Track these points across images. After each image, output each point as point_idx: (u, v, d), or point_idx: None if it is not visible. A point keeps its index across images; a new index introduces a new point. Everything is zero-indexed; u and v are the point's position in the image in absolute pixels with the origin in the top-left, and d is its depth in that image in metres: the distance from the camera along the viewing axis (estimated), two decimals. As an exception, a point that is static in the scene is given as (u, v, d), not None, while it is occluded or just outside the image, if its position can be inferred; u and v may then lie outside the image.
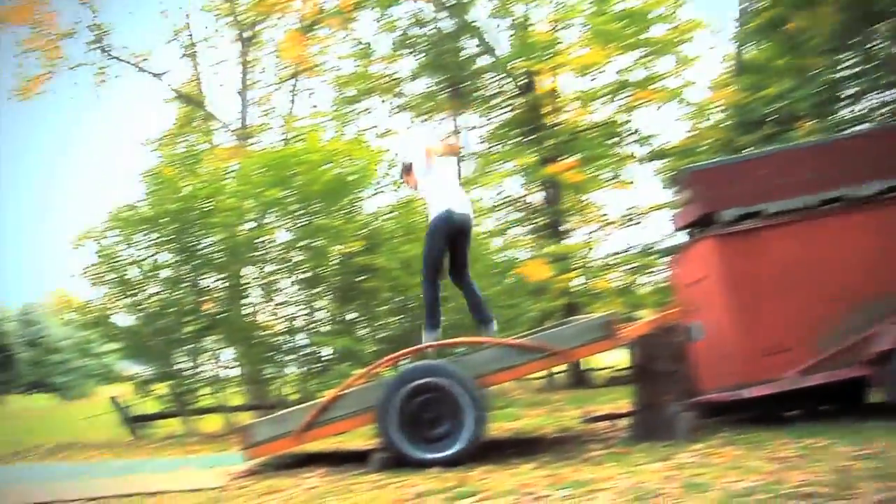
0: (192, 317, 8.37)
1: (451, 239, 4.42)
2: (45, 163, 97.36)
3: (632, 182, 13.80)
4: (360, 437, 5.39)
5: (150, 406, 9.12)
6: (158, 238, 8.39)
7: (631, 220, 13.94)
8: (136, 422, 9.12)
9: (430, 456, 3.80)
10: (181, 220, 8.14)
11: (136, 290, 8.57)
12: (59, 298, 9.65)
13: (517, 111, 14.19)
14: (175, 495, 3.72)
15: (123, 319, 8.85)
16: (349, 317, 8.71)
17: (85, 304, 8.99)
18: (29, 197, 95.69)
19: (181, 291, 8.45)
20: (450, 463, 3.73)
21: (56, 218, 67.94)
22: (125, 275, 8.57)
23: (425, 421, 3.89)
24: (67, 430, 13.27)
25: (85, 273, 8.69)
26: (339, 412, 4.14)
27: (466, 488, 3.11)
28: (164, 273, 8.52)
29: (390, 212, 8.81)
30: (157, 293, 8.57)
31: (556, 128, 13.63)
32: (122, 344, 8.93)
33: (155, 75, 14.97)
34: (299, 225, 8.42)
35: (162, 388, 8.63)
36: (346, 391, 4.18)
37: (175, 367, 8.56)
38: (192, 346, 8.47)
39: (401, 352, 4.54)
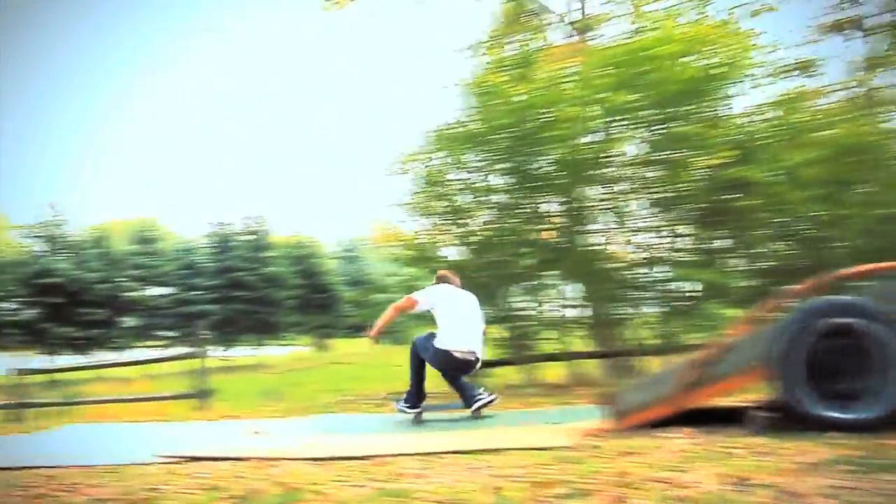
0: (530, 248, 9.51)
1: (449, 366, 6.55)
2: (356, 78, 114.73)
3: None
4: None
5: (487, 352, 10.74)
6: (489, 158, 9.69)
7: None
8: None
9: (837, 415, 3.88)
10: (514, 135, 9.24)
11: (466, 219, 10.07)
12: (382, 231, 11.62)
13: None
14: (517, 454, 4.08)
15: (452, 252, 10.42)
16: (717, 244, 9.00)
17: (409, 237, 10.63)
18: (342, 117, 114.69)
19: (516, 219, 9.66)
20: (861, 428, 3.78)
21: (376, 141, 79.78)
22: (453, 202, 10.08)
23: (835, 373, 3.97)
24: (395, 377, 16.30)
25: (409, 201, 10.30)
26: (725, 367, 4.32)
27: (880, 460, 3.15)
28: (497, 198, 9.83)
29: (768, 111, 8.77)
30: (489, 222, 9.93)
31: None
32: None
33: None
34: (654, 134, 8.93)
35: (496, 332, 9.96)
36: (737, 338, 4.36)
37: (511, 308, 9.91)
38: (530, 282, 9.70)
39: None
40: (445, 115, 10.32)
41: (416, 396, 7.00)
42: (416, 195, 10.32)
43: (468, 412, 6.59)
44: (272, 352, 38.33)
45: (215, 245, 38.50)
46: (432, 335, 6.82)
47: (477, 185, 9.99)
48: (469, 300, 7.12)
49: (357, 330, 40.92)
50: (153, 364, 14.47)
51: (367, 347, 42.52)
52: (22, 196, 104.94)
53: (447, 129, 10.08)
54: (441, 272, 7.60)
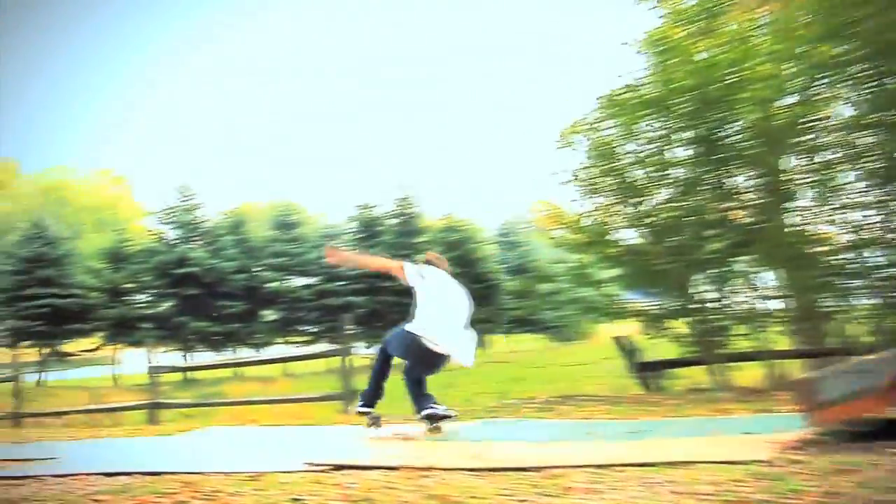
0: (718, 230, 9.48)
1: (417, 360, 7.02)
2: (514, 38, 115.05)
3: None
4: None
5: (664, 350, 10.65)
6: (668, 126, 9.72)
7: None
8: (648, 370, 10.76)
9: None
10: (698, 99, 9.22)
11: (642, 197, 10.11)
12: (545, 212, 11.76)
13: None
14: (704, 468, 4.10)
15: (627, 236, 10.54)
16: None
17: (576, 219, 10.77)
18: (497, 83, 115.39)
19: (702, 196, 9.62)
20: None
21: (537, 110, 79.92)
22: (626, 177, 10.13)
23: None
24: (561, 378, 16.45)
25: (575, 178, 10.47)
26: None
27: None
28: (677, 172, 9.83)
29: None
30: (670, 200, 9.93)
31: None
32: (625, 268, 10.64)
33: None
34: (866, 92, 8.67)
35: (680, 326, 10.05)
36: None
37: (696, 299, 9.91)
38: (719, 269, 9.65)
39: None
40: (617, 77, 10.37)
41: (371, 395, 7.34)
42: (584, 171, 10.50)
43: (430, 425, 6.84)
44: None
45: (360, 230, 39.74)
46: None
47: (654, 157, 10.03)
48: (461, 294, 7.34)
49: (520, 324, 41.37)
50: (294, 362, 15.39)
51: (531, 344, 42.97)
52: (155, 180, 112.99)
53: (619, 94, 10.15)
54: (430, 254, 7.87)
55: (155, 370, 12.78)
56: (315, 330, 38.00)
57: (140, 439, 8.36)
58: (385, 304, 36.19)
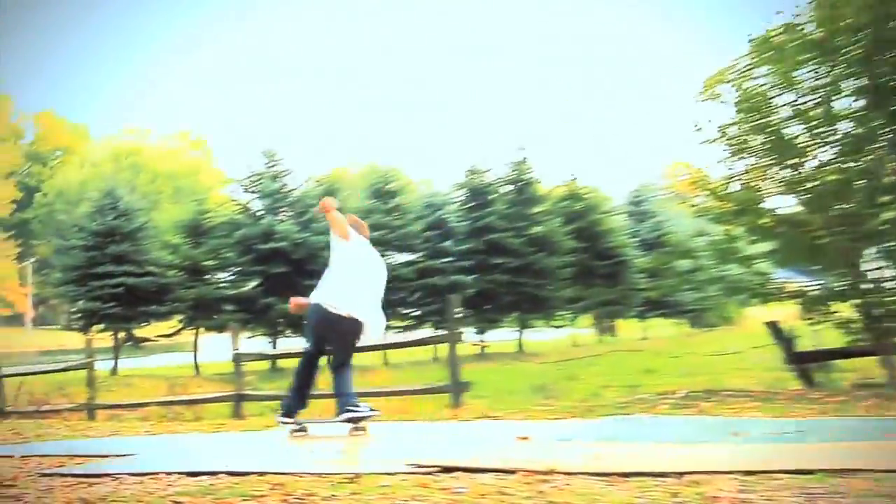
0: (894, 195, 9.30)
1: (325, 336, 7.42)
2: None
3: None
4: None
5: (827, 338, 10.60)
6: (834, 72, 9.53)
7: None
8: (807, 361, 10.67)
9: None
10: (869, 40, 9.04)
11: (801, 157, 9.98)
12: (684, 177, 11.64)
13: None
14: (877, 477, 4.06)
15: (782, 203, 10.52)
16: None
17: (722, 184, 10.72)
18: (621, 27, 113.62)
19: (874, 155, 9.46)
20: None
21: (666, 56, 78.78)
22: (783, 134, 10.01)
23: None
24: (703, 370, 16.30)
25: (721, 136, 10.41)
26: None
27: None
28: (844, 127, 9.65)
29: None
30: (832, 161, 9.79)
31: None
32: (780, 242, 10.59)
33: None
34: None
35: (846, 310, 9.91)
36: None
37: (867, 277, 9.75)
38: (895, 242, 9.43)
39: None
40: (774, 15, 10.20)
41: (294, 400, 7.63)
42: (732, 127, 10.41)
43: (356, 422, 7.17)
44: (541, 336, 39.40)
45: (469, 198, 39.86)
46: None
47: (816, 110, 9.86)
48: (378, 261, 7.65)
49: (653, 307, 40.93)
50: (395, 350, 15.55)
51: (667, 330, 42.50)
52: (238, 144, 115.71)
53: (775, 35, 10.03)
54: (353, 217, 8.02)
55: (239, 358, 13.04)
56: (418, 313, 38.10)
57: (223, 435, 8.66)
58: (497, 285, 36.29)
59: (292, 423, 7.67)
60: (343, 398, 7.41)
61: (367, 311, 7.51)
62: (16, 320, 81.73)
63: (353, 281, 7.47)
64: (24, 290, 78.93)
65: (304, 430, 7.69)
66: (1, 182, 71.42)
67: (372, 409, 7.51)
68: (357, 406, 7.35)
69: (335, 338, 7.57)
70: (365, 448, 6.92)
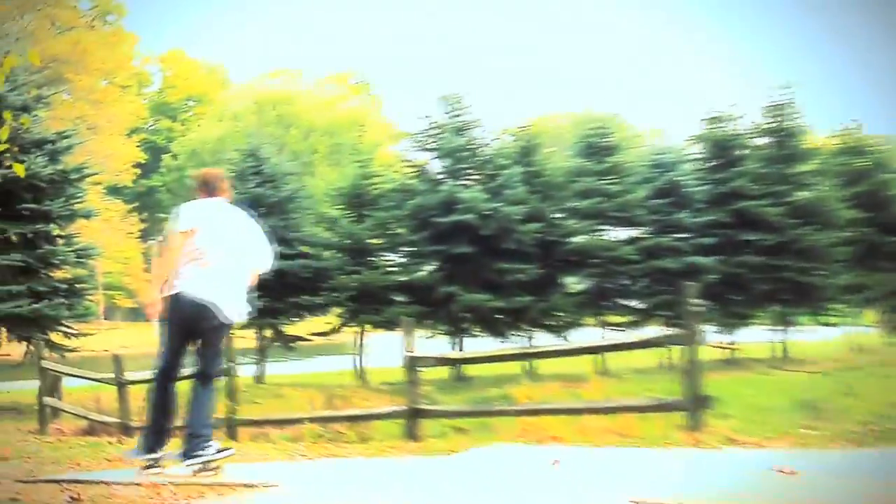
0: None
1: (188, 332, 7.79)
2: None
3: None
4: None
5: None
6: None
7: None
8: None
9: None
10: None
11: None
12: None
13: None
14: None
15: None
16: None
17: None
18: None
19: None
20: None
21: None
22: None
23: None
24: None
25: None
26: None
27: None
28: None
29: None
30: None
31: None
32: None
33: None
34: None
35: None
36: None
37: None
38: None
39: None
40: None
41: (151, 434, 7.77)
42: None
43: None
44: (808, 336, 38.43)
45: (710, 155, 39.30)
46: None
47: None
48: (238, 223, 7.97)
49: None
50: (612, 353, 15.51)
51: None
52: (411, 88, 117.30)
53: None
54: (207, 173, 8.40)
55: (414, 362, 13.10)
56: (643, 306, 37.78)
57: (394, 461, 8.78)
58: (748, 269, 35.52)
59: (148, 457, 7.93)
60: (193, 433, 7.75)
61: (218, 291, 7.85)
62: (140, 314, 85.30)
63: (214, 259, 7.86)
64: (149, 275, 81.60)
65: (157, 463, 7.92)
66: (121, 141, 72.78)
67: (222, 450, 7.86)
68: (207, 446, 7.68)
69: (184, 328, 7.93)
70: (575, 479, 6.89)
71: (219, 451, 7.90)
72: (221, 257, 8.05)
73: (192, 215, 8.16)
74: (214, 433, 8.19)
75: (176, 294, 7.93)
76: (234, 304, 8.14)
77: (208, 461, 7.76)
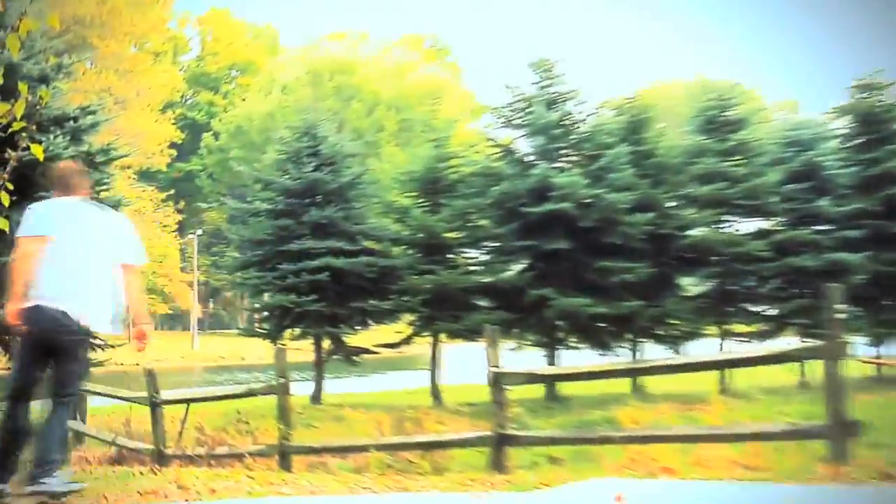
0: None
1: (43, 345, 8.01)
2: None
3: None
4: None
5: None
6: None
7: None
8: None
9: None
10: None
11: None
12: None
13: None
14: None
15: None
16: None
17: None
18: None
19: None
20: None
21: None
22: None
23: None
24: None
25: None
26: None
27: None
28: None
29: None
30: None
31: None
32: None
33: None
34: None
35: None
36: None
37: None
38: None
39: None
40: None
41: None
42: None
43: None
44: None
45: (857, 130, 38.68)
46: None
47: None
48: (99, 223, 8.23)
49: None
50: (738, 369, 15.37)
51: None
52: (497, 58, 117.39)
53: None
54: (61, 168, 8.66)
55: (500, 379, 12.96)
56: (774, 312, 37.47)
57: (475, 496, 8.75)
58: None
59: None
60: (39, 459, 7.87)
61: (78, 298, 8.09)
62: (178, 321, 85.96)
63: (66, 266, 8.09)
64: (187, 277, 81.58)
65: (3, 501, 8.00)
66: (153, 117, 73.61)
67: (71, 483, 8.01)
68: (53, 476, 7.78)
69: (63, 348, 8.12)
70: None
71: (66, 484, 8.09)
72: (79, 262, 8.29)
73: (45, 218, 8.40)
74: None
75: (32, 306, 8.13)
76: (95, 313, 8.36)
77: (53, 493, 7.91)
